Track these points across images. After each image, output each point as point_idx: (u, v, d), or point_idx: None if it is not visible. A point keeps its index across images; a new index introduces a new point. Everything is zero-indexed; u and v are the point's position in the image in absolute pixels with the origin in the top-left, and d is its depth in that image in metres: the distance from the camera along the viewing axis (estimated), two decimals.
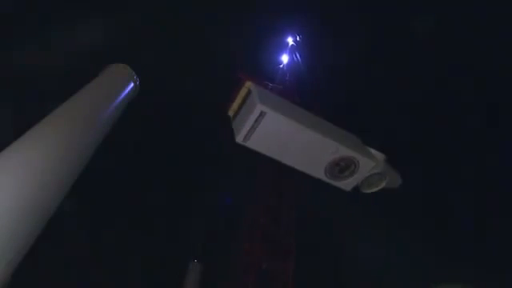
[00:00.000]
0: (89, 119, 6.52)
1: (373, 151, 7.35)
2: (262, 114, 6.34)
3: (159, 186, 18.20)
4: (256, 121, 6.38)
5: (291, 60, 16.86)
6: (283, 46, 17.58)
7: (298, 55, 16.40)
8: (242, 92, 6.98)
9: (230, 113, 7.06)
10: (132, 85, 7.99)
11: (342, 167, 7.03)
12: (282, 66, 16.90)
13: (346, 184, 7.25)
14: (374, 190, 7.54)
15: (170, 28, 15.50)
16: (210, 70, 17.13)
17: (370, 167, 7.00)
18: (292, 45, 17.27)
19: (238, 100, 6.99)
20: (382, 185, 7.46)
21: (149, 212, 18.24)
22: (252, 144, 6.66)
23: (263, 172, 16.31)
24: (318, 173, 7.06)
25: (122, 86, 7.70)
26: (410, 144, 18.03)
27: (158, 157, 18.11)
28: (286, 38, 17.62)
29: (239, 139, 6.58)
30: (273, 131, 6.53)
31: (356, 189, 7.34)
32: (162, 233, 18.40)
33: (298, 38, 17.24)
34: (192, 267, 17.17)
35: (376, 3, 17.24)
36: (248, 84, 6.99)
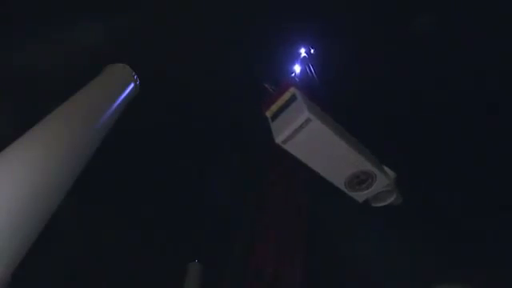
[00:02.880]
0: (89, 119, 6.56)
1: (386, 168, 8.05)
2: (307, 121, 6.92)
3: (159, 185, 18.21)
4: (300, 126, 6.92)
5: (304, 70, 16.72)
6: (296, 56, 17.43)
7: (311, 67, 16.20)
8: (286, 96, 7.63)
9: (268, 114, 7.73)
10: (132, 85, 8.03)
11: (361, 180, 7.73)
12: (293, 74, 16.81)
13: (360, 196, 8.11)
14: (381, 204, 8.40)
15: (171, 28, 15.50)
16: (210, 70, 17.15)
17: (385, 184, 7.73)
18: (304, 56, 17.11)
19: (279, 103, 7.66)
20: (389, 201, 8.30)
21: (149, 212, 18.26)
22: (289, 147, 7.32)
23: (269, 174, 16.28)
24: (339, 182, 7.83)
25: (122, 86, 7.76)
26: (411, 144, 18.07)
27: (159, 157, 18.12)
28: (299, 48, 17.41)
29: (279, 140, 7.23)
30: (312, 138, 7.17)
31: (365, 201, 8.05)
32: (162, 233, 18.42)
33: (311, 51, 17.01)
34: (192, 267, 17.18)
35: (395, 17, 17.17)
36: (292, 89, 7.58)
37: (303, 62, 16.81)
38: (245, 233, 15.82)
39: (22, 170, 4.97)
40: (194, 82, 16.89)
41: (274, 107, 7.64)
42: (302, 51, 17.29)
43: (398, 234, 15.28)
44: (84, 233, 16.30)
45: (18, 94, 12.98)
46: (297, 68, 16.72)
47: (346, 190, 7.74)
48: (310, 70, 14.91)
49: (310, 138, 6.74)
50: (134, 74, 8.09)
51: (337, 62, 17.25)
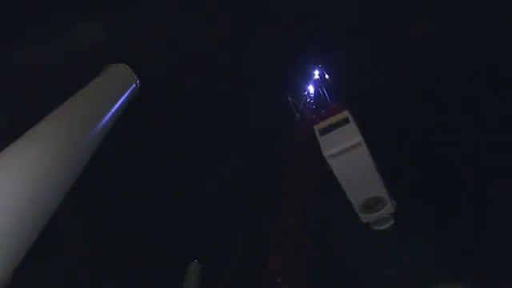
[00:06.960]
0: (89, 119, 6.53)
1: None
2: (357, 144, 7.89)
3: (160, 186, 18.20)
4: (350, 147, 7.89)
5: (316, 91, 16.70)
6: (310, 77, 17.56)
7: (324, 89, 16.17)
8: (338, 116, 8.66)
9: (316, 127, 8.96)
10: (133, 85, 8.00)
11: (373, 204, 8.70)
12: (306, 93, 16.82)
13: (366, 217, 9.22)
14: (380, 228, 9.67)
15: (172, 29, 15.50)
16: (208, 69, 17.15)
17: (390, 211, 8.85)
18: (317, 78, 17.18)
19: (331, 121, 8.68)
20: (387, 226, 9.57)
21: (149, 212, 18.24)
22: (333, 162, 8.26)
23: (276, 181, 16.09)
24: (356, 201, 8.79)
25: (122, 86, 7.72)
26: (411, 145, 18.08)
27: (159, 157, 18.10)
28: (314, 69, 17.54)
29: (327, 154, 8.22)
30: (354, 159, 8.20)
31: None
32: (162, 233, 18.40)
33: (326, 76, 17.04)
34: (192, 267, 17.16)
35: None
36: (346, 112, 8.58)
37: (316, 83, 17.01)
38: (245, 233, 15.75)
39: (22, 170, 4.96)
40: (194, 82, 16.90)
41: (325, 123, 8.66)
42: (316, 73, 17.56)
43: (398, 234, 15.27)
44: (84, 233, 16.29)
45: (18, 94, 12.97)
46: (310, 88, 16.95)
47: (357, 209, 8.68)
48: (323, 92, 15.17)
49: (352, 159, 7.61)
50: (133, 74, 8.07)
51: (347, 84, 17.38)
